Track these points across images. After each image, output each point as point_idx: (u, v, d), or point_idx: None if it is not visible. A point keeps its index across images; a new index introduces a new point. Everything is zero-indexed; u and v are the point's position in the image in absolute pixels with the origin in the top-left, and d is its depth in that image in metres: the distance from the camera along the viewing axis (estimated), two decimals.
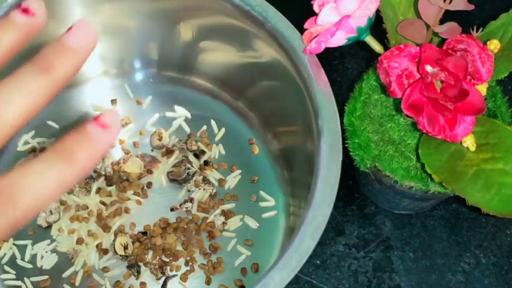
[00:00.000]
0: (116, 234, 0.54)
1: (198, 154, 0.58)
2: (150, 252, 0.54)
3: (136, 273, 0.52)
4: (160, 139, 0.58)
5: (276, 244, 0.54)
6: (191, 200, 0.55)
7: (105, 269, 0.53)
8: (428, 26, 0.44)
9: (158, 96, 0.61)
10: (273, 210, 0.56)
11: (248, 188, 0.57)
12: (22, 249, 0.54)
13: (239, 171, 0.57)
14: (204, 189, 0.56)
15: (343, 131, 0.46)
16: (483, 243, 0.55)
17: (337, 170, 0.44)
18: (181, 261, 0.53)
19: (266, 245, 0.54)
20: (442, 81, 0.40)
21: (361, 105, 0.49)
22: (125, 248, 0.53)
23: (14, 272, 0.53)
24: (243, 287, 0.52)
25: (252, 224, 0.55)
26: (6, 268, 0.53)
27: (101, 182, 0.56)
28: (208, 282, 0.53)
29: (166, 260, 0.53)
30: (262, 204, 0.56)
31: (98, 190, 0.56)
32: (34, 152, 0.57)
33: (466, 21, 0.43)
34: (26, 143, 0.58)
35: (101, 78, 0.61)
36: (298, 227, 0.42)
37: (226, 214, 0.55)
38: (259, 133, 0.59)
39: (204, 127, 0.59)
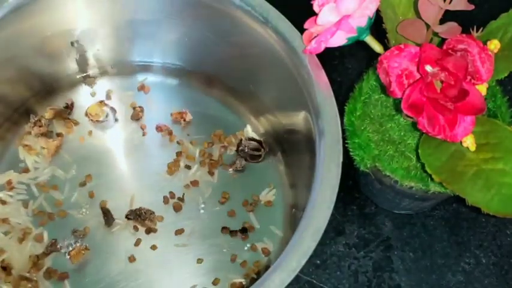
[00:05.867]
0: None
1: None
2: None
3: None
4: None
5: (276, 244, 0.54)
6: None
7: None
8: (428, 26, 0.44)
9: (158, 97, 0.61)
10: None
11: (248, 189, 0.57)
12: None
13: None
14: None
15: (343, 131, 0.46)
16: (483, 243, 0.55)
17: (338, 170, 0.44)
18: None
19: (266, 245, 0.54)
20: (442, 81, 0.40)
21: (361, 105, 0.49)
22: None
23: None
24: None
25: (253, 224, 0.55)
26: None
27: None
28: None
29: None
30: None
31: None
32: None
33: (466, 21, 0.43)
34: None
35: (100, 78, 0.62)
36: (299, 228, 0.42)
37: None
38: (258, 133, 0.59)
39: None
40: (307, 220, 0.42)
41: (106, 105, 0.59)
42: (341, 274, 0.54)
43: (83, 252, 0.53)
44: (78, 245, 0.53)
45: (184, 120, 0.59)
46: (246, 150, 0.57)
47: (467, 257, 0.55)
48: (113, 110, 0.59)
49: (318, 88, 0.47)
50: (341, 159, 0.44)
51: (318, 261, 0.54)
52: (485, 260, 0.55)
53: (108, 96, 0.61)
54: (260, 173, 0.57)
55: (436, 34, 0.44)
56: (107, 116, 0.59)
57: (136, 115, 0.59)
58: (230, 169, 0.57)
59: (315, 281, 0.53)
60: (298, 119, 0.51)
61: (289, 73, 0.49)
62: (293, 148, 0.55)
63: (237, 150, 0.58)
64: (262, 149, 0.57)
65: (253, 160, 0.57)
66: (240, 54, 0.56)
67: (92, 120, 0.59)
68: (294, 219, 0.54)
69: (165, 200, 0.55)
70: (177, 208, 0.55)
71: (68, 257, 0.53)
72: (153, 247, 0.54)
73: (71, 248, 0.53)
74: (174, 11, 0.56)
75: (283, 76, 0.51)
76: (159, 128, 0.59)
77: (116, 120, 0.59)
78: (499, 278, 0.54)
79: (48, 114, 0.58)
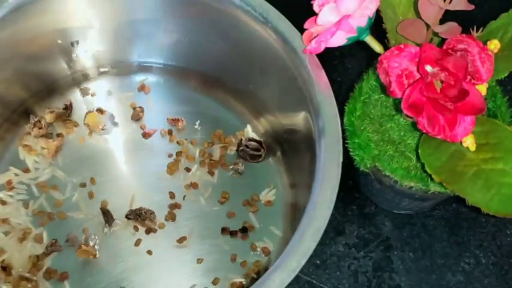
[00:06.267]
0: None
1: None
2: None
3: None
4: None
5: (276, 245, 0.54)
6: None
7: None
8: (428, 26, 0.44)
9: (158, 97, 0.61)
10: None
11: (248, 189, 0.57)
12: None
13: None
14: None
15: (343, 131, 0.46)
16: (483, 243, 0.55)
17: (338, 171, 0.44)
18: None
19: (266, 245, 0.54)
20: (442, 81, 0.40)
21: (361, 105, 0.49)
22: None
23: None
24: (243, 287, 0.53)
25: (253, 224, 0.55)
26: None
27: None
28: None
29: None
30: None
31: None
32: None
33: (466, 21, 0.43)
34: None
35: (100, 78, 0.62)
36: (299, 228, 0.42)
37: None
38: (258, 133, 0.59)
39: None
40: (307, 220, 0.42)
41: (103, 112, 0.59)
42: (341, 274, 0.54)
43: (91, 255, 0.52)
44: (96, 247, 0.53)
45: (178, 128, 0.59)
46: (246, 150, 0.57)
47: (467, 257, 0.55)
48: (112, 116, 0.59)
49: (318, 88, 0.47)
50: (341, 159, 0.44)
51: (318, 261, 0.54)
52: (485, 260, 0.55)
53: (108, 97, 0.61)
54: (260, 173, 0.57)
55: (436, 34, 0.44)
56: (105, 125, 0.59)
57: (137, 115, 0.59)
58: (230, 167, 0.57)
59: (314, 281, 0.54)
60: (298, 119, 0.51)
61: (289, 73, 0.49)
62: (293, 148, 0.55)
63: (237, 150, 0.58)
64: (262, 149, 0.57)
65: (253, 160, 0.57)
66: (240, 54, 0.56)
67: (91, 130, 0.59)
68: (294, 219, 0.54)
69: (169, 211, 0.55)
70: (172, 219, 0.55)
71: (77, 248, 0.53)
72: (153, 247, 0.54)
73: (91, 243, 0.53)
74: (173, 11, 0.56)
75: (283, 76, 0.51)
76: (147, 135, 0.59)
77: (116, 124, 0.59)
78: (498, 278, 0.54)
79: (48, 117, 0.58)
